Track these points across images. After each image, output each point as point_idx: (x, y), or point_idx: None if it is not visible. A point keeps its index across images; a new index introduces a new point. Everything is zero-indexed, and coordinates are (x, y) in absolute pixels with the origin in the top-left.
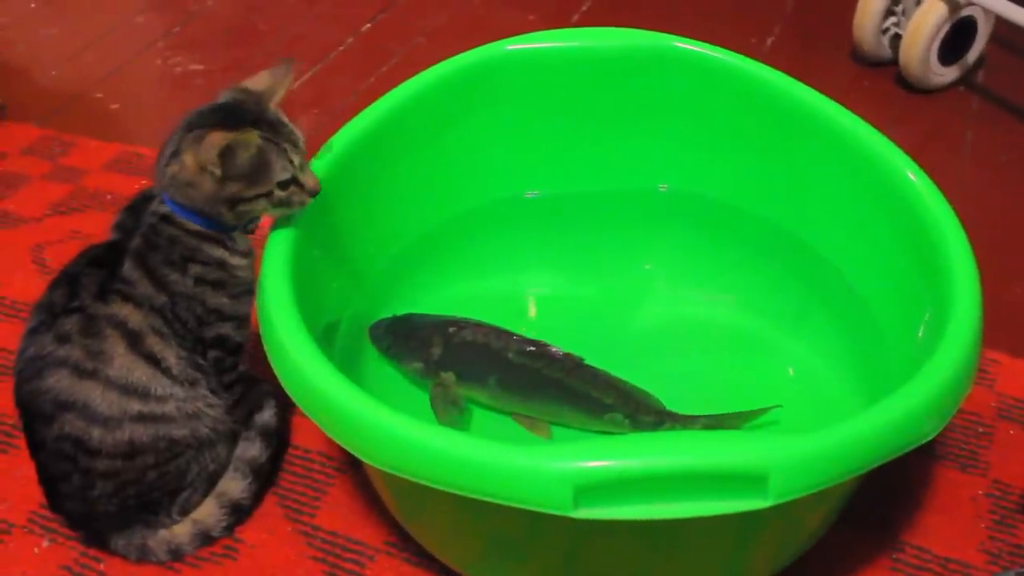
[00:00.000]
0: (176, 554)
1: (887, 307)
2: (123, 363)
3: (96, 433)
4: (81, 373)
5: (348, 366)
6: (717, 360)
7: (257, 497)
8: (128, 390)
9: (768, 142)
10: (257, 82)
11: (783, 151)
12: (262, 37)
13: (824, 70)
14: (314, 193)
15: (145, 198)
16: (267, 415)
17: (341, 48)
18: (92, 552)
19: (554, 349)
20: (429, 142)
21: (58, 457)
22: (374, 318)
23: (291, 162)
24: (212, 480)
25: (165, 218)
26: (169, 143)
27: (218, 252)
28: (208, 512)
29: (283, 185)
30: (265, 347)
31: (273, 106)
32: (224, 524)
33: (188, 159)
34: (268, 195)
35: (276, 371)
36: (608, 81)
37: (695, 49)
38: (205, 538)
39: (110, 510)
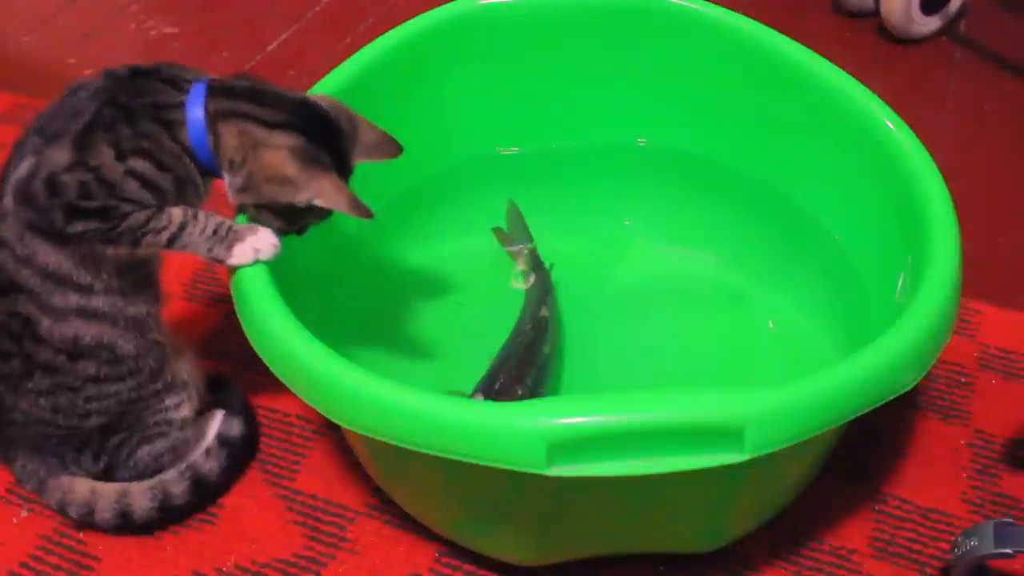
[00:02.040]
0: (124, 517)
1: (867, 259)
2: (50, 255)
3: (46, 323)
4: (18, 258)
5: (323, 330)
6: (697, 314)
7: (227, 472)
8: (58, 280)
9: (748, 94)
10: (368, 132)
11: (763, 103)
12: None
13: (805, 21)
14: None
15: (140, 73)
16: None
17: (317, 8)
18: (71, 521)
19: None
20: (402, 100)
21: (5, 334)
22: (354, 281)
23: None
24: (155, 447)
25: (169, 124)
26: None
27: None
28: (171, 477)
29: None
30: (237, 312)
31: (354, 158)
32: (186, 495)
33: (286, 168)
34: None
35: (249, 336)
36: (584, 34)
37: (673, 0)
38: (165, 504)
39: (38, 416)
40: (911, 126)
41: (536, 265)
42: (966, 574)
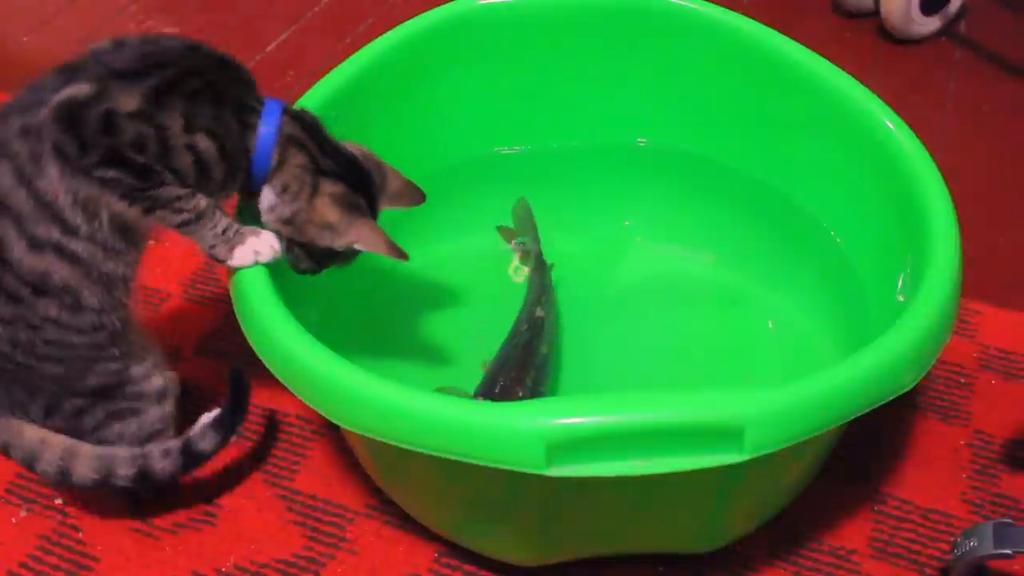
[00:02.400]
0: (63, 475)
1: (867, 259)
2: (55, 184)
3: (19, 249)
4: (20, 176)
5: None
6: (697, 314)
7: (178, 474)
8: (49, 211)
9: (747, 94)
10: (394, 180)
11: (763, 103)
12: None
13: (805, 21)
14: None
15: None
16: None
17: (317, 8)
18: (71, 521)
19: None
20: (402, 100)
21: None
22: (353, 282)
23: None
24: (127, 426)
25: (243, 123)
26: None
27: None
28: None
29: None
30: (236, 312)
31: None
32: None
33: (329, 215)
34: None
35: (248, 336)
36: (584, 34)
37: (673, 0)
38: (107, 479)
39: None
40: (911, 126)
41: (537, 263)
42: (965, 574)
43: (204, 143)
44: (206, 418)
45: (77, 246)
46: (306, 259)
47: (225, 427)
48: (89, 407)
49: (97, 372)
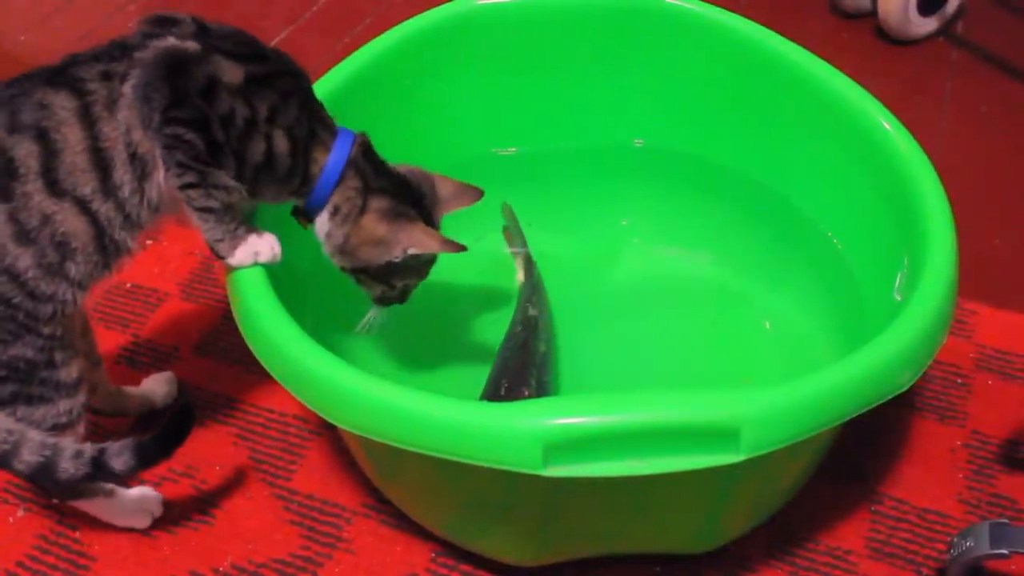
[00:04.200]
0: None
1: (864, 259)
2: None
3: (34, 184)
4: (84, 114)
5: (322, 332)
6: (694, 315)
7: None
8: (97, 159)
9: (744, 95)
10: (444, 186)
11: (759, 104)
12: None
13: (803, 22)
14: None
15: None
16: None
17: (315, 8)
18: (68, 520)
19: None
20: (400, 100)
21: None
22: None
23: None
24: (35, 411)
25: (315, 139)
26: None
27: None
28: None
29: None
30: (233, 312)
31: (439, 214)
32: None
33: (377, 229)
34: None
35: (245, 336)
36: (581, 34)
37: (669, 1)
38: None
39: None
40: (908, 127)
41: (526, 263)
42: (962, 574)
43: (280, 140)
44: (131, 440)
45: (102, 206)
46: (377, 285)
47: (147, 457)
48: (2, 379)
49: (24, 344)
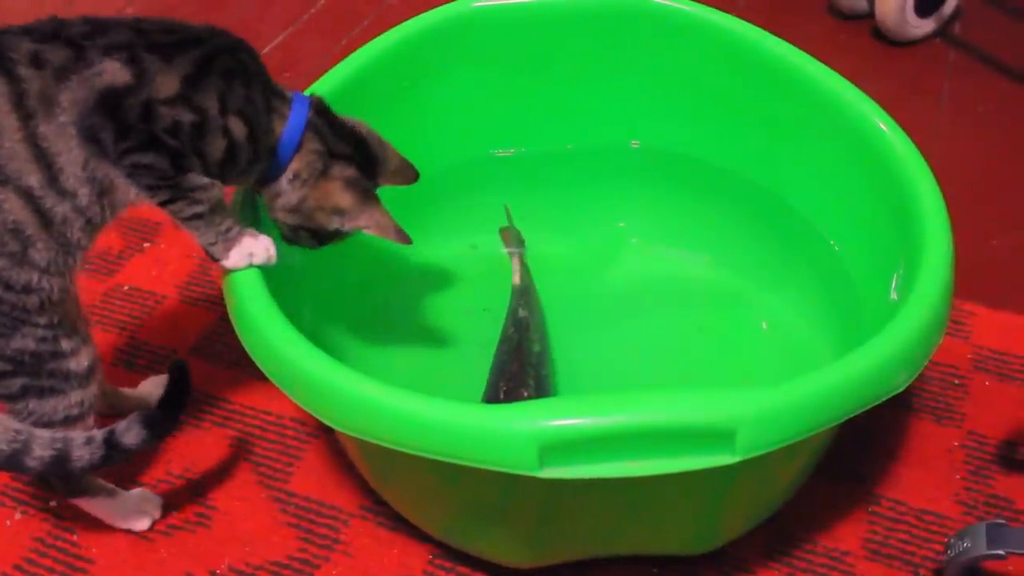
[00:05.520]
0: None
1: (860, 260)
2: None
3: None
4: (18, 104)
5: (321, 334)
6: (691, 315)
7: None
8: (40, 157)
9: (741, 96)
10: (393, 158)
11: (756, 105)
12: (232, 0)
13: (800, 23)
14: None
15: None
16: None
17: (313, 10)
18: (65, 523)
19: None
20: (397, 102)
21: None
22: (348, 284)
23: None
24: (45, 403)
25: (271, 109)
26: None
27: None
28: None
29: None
30: (230, 314)
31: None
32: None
33: (341, 200)
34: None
35: (241, 338)
36: (577, 36)
37: (666, 2)
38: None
39: None
40: (905, 128)
41: (519, 265)
42: (959, 575)
43: (237, 126)
44: (136, 414)
45: (57, 206)
46: (311, 239)
47: (156, 425)
48: (9, 374)
49: (23, 336)
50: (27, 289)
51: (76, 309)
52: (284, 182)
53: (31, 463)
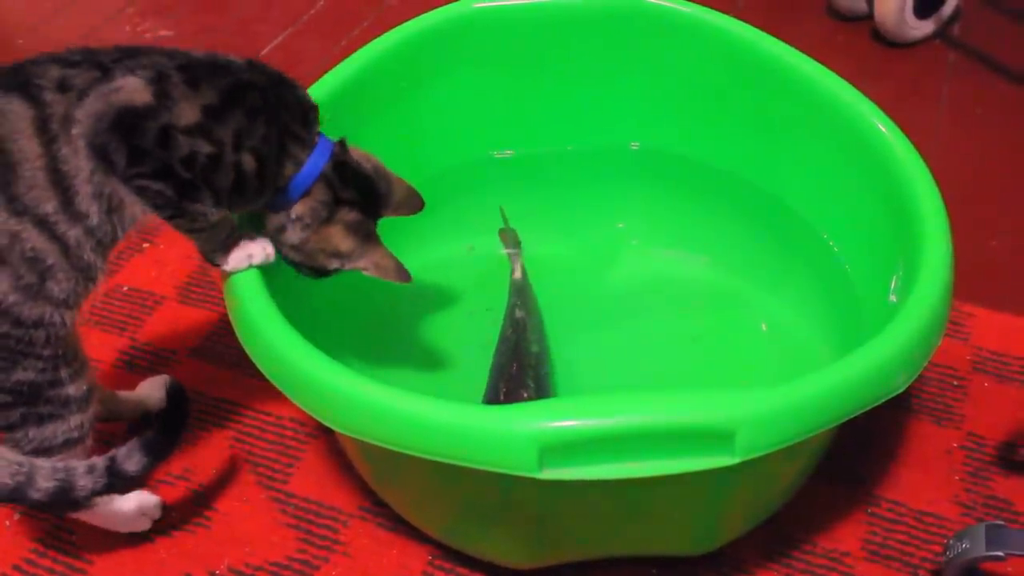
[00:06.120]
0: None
1: (860, 261)
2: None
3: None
4: (42, 128)
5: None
6: (690, 317)
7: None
8: (57, 181)
9: (740, 98)
10: (399, 189)
11: (755, 107)
12: (231, 1)
13: (799, 25)
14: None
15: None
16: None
17: (312, 11)
18: (64, 524)
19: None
20: (396, 103)
21: None
22: (347, 285)
23: None
24: (43, 429)
25: (284, 150)
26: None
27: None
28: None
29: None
30: (230, 315)
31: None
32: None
33: (342, 244)
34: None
35: (240, 339)
36: (577, 38)
37: (664, 4)
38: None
39: None
40: (904, 129)
41: (519, 266)
42: None
43: (248, 161)
44: (135, 439)
45: (70, 230)
46: (311, 273)
47: (155, 449)
48: (8, 405)
49: (24, 368)
50: (37, 324)
51: (76, 335)
52: (287, 219)
53: (35, 495)
